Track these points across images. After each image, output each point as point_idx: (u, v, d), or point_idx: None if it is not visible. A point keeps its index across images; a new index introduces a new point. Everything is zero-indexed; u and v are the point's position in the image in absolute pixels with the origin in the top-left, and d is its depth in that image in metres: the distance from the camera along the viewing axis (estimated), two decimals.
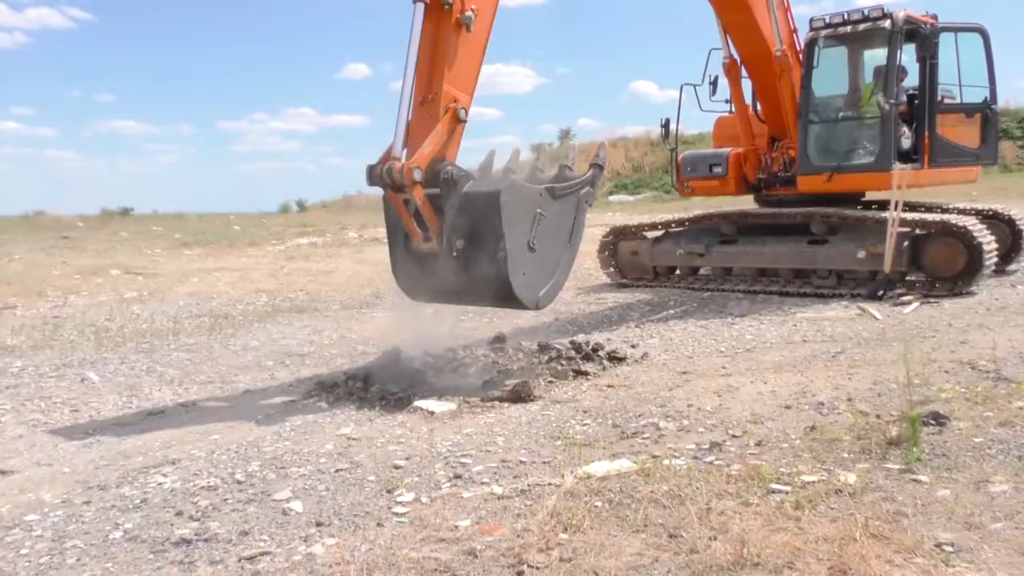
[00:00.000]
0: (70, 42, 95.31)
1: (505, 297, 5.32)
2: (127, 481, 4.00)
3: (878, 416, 4.31)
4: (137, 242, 19.62)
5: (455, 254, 5.21)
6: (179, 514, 3.52)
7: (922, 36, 8.80)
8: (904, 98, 9.00)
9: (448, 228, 5.21)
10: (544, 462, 3.96)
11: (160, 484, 3.92)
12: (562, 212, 5.54)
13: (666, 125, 10.68)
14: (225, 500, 3.67)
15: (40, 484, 4.06)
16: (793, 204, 9.65)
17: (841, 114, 9.69)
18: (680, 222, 10.69)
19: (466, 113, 5.40)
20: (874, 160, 8.95)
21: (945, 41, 9.07)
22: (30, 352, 7.66)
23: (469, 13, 5.35)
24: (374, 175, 5.23)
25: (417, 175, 5.06)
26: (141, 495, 3.79)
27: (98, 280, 13.26)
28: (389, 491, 3.66)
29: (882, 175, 8.86)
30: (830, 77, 9.64)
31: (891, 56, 8.80)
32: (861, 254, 8.73)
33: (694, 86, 10.14)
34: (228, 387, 6.14)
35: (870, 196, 9.99)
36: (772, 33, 9.28)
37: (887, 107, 8.69)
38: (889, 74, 8.81)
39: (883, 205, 9.50)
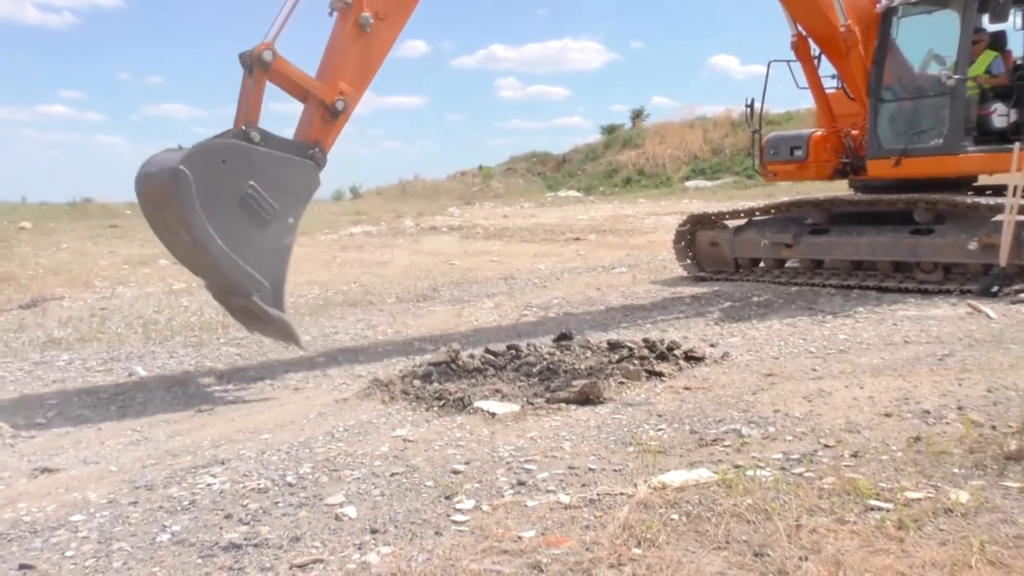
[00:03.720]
0: (118, 23, 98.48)
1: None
2: (175, 481, 4.11)
3: (994, 427, 4.13)
4: None
5: (240, 139, 5.66)
6: (228, 517, 3.59)
7: (996, 3, 8.47)
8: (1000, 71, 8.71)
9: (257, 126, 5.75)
10: (615, 470, 3.91)
11: (209, 485, 4.02)
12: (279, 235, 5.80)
13: (751, 105, 10.50)
14: (276, 503, 3.73)
15: (86, 483, 4.20)
16: (891, 190, 9.36)
17: (911, 91, 9.40)
18: (765, 210, 10.49)
19: (344, 105, 6.05)
20: (943, 142, 8.66)
21: None
22: (77, 345, 7.96)
23: (367, 15, 6.02)
24: (243, 55, 5.83)
25: (267, 56, 5.66)
26: (189, 496, 3.88)
27: (146, 270, 13.72)
28: (447, 497, 3.67)
29: (953, 159, 8.59)
30: (903, 51, 9.35)
31: (964, 26, 8.52)
32: (972, 245, 8.40)
33: (788, 62, 9.96)
34: (278, 384, 6.27)
35: (983, 181, 9.62)
36: (835, 7, 9.07)
37: (951, 83, 8.44)
38: (962, 46, 8.53)
39: (997, 191, 9.14)
